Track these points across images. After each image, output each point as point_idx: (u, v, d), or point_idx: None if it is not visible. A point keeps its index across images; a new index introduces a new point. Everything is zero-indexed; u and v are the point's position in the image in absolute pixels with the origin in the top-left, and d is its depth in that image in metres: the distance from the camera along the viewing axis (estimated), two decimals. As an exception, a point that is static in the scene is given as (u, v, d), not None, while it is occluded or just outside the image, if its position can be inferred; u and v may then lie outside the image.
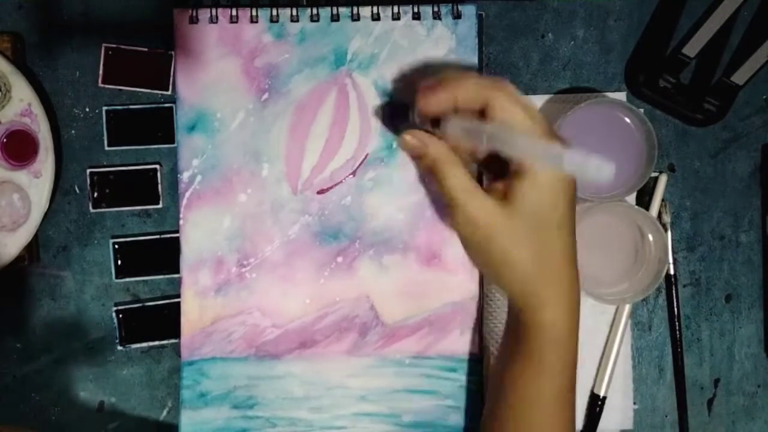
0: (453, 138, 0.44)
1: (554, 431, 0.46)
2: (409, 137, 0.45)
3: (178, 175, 0.55)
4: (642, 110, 0.55)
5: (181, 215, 0.55)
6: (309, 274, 0.56)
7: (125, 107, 0.56)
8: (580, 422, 0.58)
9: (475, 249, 0.44)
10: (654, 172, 0.57)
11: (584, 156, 0.36)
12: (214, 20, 0.55)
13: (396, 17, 0.55)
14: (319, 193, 0.56)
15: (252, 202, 0.55)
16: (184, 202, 0.55)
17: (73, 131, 0.57)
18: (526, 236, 0.42)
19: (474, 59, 0.56)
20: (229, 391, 0.55)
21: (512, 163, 0.43)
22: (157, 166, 0.57)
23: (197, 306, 0.55)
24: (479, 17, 0.57)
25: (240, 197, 0.55)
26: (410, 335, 0.56)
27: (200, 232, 0.55)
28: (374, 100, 0.55)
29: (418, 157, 0.46)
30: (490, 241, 0.43)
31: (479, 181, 0.53)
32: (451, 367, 0.55)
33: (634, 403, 0.58)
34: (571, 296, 0.44)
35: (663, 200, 0.57)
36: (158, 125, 0.56)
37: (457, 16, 0.55)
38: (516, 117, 0.42)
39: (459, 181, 0.43)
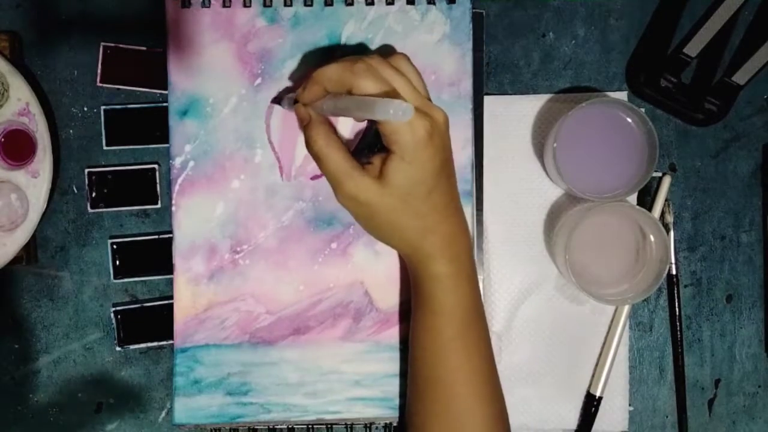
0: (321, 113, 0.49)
1: (458, 369, 0.49)
2: (301, 108, 0.49)
3: (170, 161, 0.55)
4: (643, 110, 0.54)
5: (173, 202, 0.55)
6: (303, 260, 0.55)
7: (124, 107, 0.56)
8: (574, 422, 0.58)
9: (361, 221, 0.50)
10: (657, 172, 0.57)
11: (386, 103, 0.42)
12: (206, 4, 0.55)
13: (390, 2, 0.55)
14: (312, 179, 0.55)
15: (245, 188, 0.55)
16: (177, 188, 0.55)
17: (71, 131, 0.57)
18: (402, 206, 0.47)
19: (468, 45, 0.55)
20: (223, 377, 0.55)
21: (384, 138, 0.47)
22: (156, 166, 0.57)
23: (190, 293, 0.55)
24: (479, 15, 0.57)
25: (233, 183, 0.55)
26: (404, 320, 0.55)
27: (193, 218, 0.55)
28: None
29: (306, 143, 0.49)
30: (372, 214, 0.48)
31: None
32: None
33: (630, 405, 0.58)
34: (452, 246, 0.49)
35: (666, 200, 0.57)
36: (157, 125, 0.56)
37: (452, 0, 0.55)
38: (368, 90, 0.46)
39: (338, 163, 0.47)
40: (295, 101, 0.50)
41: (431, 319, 0.50)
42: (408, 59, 0.48)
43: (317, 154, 0.48)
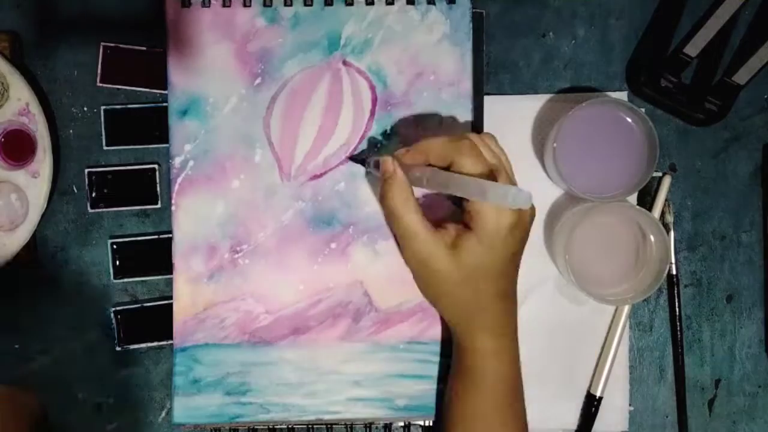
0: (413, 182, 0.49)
1: None
2: (389, 161, 0.49)
3: (170, 161, 0.55)
4: (643, 110, 0.54)
5: (173, 201, 0.55)
6: (302, 260, 0.55)
7: (124, 106, 0.56)
8: (574, 422, 0.58)
9: (420, 279, 0.51)
10: (657, 172, 0.57)
11: (504, 188, 0.43)
12: (206, 4, 0.55)
13: (390, 2, 0.55)
14: (312, 179, 0.55)
15: (245, 188, 0.55)
16: (176, 188, 0.55)
17: (71, 131, 0.57)
18: (466, 282, 0.48)
19: (468, 45, 0.55)
20: (222, 377, 0.55)
21: (465, 213, 0.48)
22: (156, 166, 0.57)
23: (189, 292, 0.55)
24: (479, 15, 0.57)
25: (233, 183, 0.55)
26: (404, 321, 0.55)
27: (193, 218, 0.55)
28: (367, 86, 0.55)
29: (383, 196, 0.50)
30: (433, 278, 0.49)
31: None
32: (444, 352, 0.55)
33: (630, 405, 0.58)
34: (501, 323, 0.50)
35: (666, 200, 0.57)
36: (157, 125, 0.56)
37: (452, 0, 0.55)
38: (467, 168, 0.48)
39: (414, 222, 0.48)
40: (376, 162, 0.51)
41: (471, 390, 0.50)
42: (496, 140, 0.50)
43: (393, 209, 0.49)
